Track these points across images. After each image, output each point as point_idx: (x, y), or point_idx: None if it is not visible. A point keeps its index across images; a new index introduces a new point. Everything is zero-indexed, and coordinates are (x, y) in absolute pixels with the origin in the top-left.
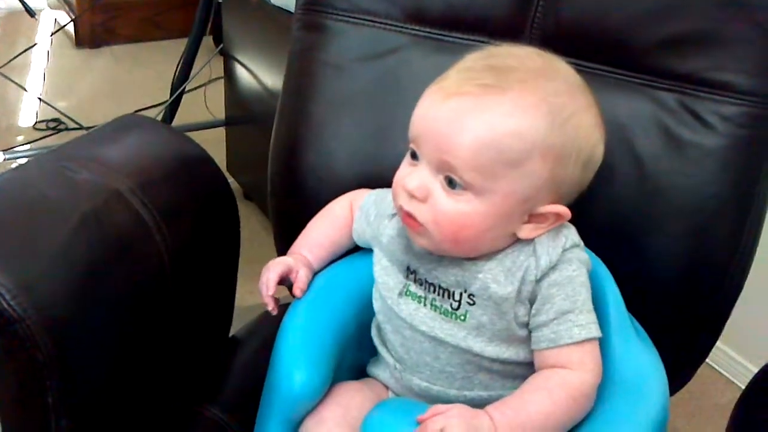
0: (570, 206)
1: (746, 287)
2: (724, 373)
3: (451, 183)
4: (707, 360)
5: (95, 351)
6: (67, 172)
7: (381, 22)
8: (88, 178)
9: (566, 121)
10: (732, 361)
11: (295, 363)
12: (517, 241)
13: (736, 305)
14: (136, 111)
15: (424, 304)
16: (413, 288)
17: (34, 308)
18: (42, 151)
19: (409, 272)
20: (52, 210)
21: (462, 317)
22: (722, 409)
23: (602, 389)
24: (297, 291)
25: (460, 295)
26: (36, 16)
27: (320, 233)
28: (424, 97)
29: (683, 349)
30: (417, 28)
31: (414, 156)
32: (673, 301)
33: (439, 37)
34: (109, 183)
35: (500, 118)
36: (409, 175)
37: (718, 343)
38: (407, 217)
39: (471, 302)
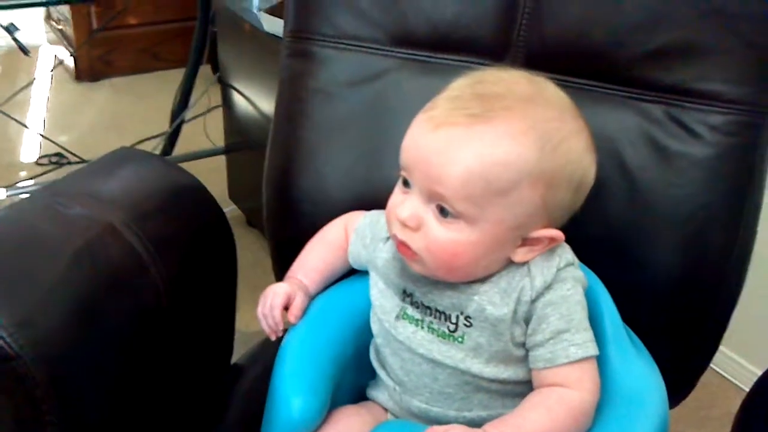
0: (562, 225)
1: (753, 293)
2: (733, 380)
3: (443, 212)
4: (716, 368)
5: (94, 385)
6: (59, 207)
7: (367, 47)
8: (81, 212)
9: (556, 147)
10: (740, 368)
11: (293, 389)
12: (511, 262)
13: (743, 312)
14: (137, 142)
15: (422, 327)
16: (410, 311)
17: (30, 345)
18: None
19: (406, 295)
20: (46, 246)
21: (459, 339)
22: (732, 416)
23: (600, 404)
24: (291, 318)
25: (457, 317)
26: (30, 55)
27: (316, 257)
28: (414, 126)
29: (683, 358)
30: (403, 51)
31: (406, 183)
32: (669, 311)
33: (426, 59)
34: (103, 217)
35: (488, 148)
36: (401, 204)
37: (726, 351)
38: (401, 245)
39: (468, 324)
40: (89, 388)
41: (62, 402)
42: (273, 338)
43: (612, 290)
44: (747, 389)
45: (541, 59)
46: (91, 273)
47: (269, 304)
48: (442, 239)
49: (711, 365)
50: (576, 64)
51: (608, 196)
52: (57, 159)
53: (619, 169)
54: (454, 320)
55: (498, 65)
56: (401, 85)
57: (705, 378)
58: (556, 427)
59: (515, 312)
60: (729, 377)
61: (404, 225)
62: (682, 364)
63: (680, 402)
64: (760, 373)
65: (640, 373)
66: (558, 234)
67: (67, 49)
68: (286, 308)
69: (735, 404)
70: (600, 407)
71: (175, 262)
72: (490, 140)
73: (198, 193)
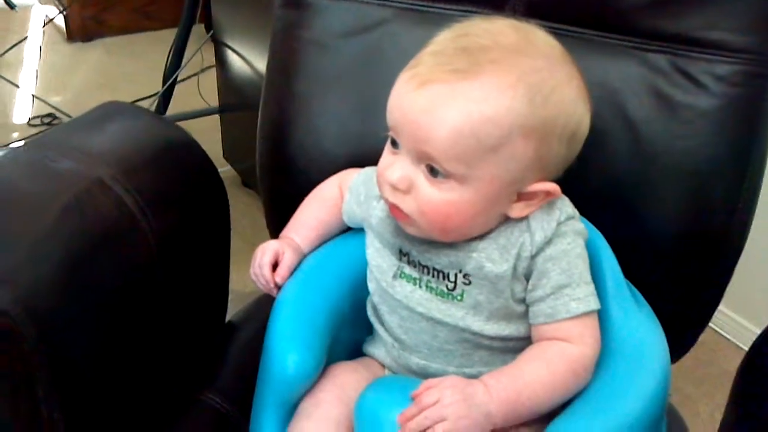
0: (562, 177)
1: (753, 253)
2: (732, 339)
3: (433, 171)
4: (715, 326)
5: (84, 341)
6: (47, 161)
7: None
8: (68, 166)
9: (547, 98)
10: (740, 327)
11: (288, 345)
12: (509, 217)
13: (743, 271)
14: (130, 102)
15: (420, 286)
16: (407, 270)
17: (16, 300)
18: None
19: (402, 254)
20: (33, 200)
21: (459, 297)
22: (731, 375)
23: (601, 358)
24: (277, 277)
25: (455, 275)
26: (16, 9)
27: (309, 215)
28: (398, 85)
29: (684, 313)
30: (400, 0)
31: (394, 144)
32: (671, 265)
33: (423, 8)
34: (91, 171)
35: (475, 104)
36: (390, 167)
37: (726, 310)
38: (393, 208)
39: (467, 282)
40: (79, 343)
41: (51, 357)
42: (273, 294)
43: (613, 244)
44: (745, 348)
45: (542, 8)
46: (80, 227)
47: (257, 263)
48: (434, 200)
49: (709, 323)
50: (579, 12)
51: (611, 149)
52: (49, 119)
53: (622, 120)
54: (452, 279)
55: (498, 14)
56: (397, 36)
57: (703, 336)
58: (555, 380)
59: (515, 268)
60: (727, 335)
61: (395, 188)
62: (683, 319)
63: (680, 358)
64: (758, 331)
65: (642, 328)
66: (554, 187)
67: (58, 8)
68: (276, 267)
69: (733, 362)
70: (601, 361)
71: (167, 217)
72: (476, 96)
73: (189, 147)
